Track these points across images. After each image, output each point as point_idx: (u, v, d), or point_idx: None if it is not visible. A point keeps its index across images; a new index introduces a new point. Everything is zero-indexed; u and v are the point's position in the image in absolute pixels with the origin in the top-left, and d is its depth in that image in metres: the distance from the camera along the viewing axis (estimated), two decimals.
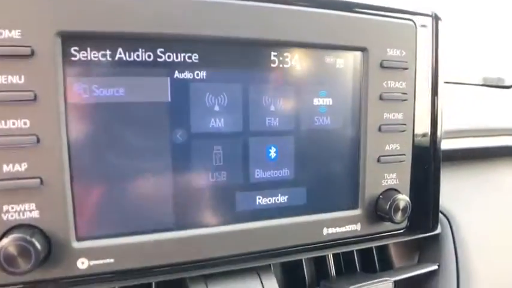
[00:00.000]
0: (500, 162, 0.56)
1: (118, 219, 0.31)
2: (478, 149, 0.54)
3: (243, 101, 0.33)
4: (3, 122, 0.27)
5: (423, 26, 0.39)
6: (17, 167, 0.28)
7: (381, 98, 0.37)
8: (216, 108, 0.33)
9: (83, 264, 0.30)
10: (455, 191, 0.50)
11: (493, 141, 0.56)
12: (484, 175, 0.54)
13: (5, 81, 0.27)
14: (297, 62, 0.35)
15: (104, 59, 0.29)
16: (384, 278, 0.39)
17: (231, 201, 0.34)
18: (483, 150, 0.54)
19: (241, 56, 0.33)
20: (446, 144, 0.50)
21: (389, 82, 0.37)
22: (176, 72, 0.31)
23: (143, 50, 0.30)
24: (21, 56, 0.27)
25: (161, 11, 0.30)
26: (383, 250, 0.47)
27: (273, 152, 0.35)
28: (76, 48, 0.29)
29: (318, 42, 0.35)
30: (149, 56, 0.30)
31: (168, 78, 0.31)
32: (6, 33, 0.27)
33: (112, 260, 0.30)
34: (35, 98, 0.28)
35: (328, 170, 0.37)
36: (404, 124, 0.39)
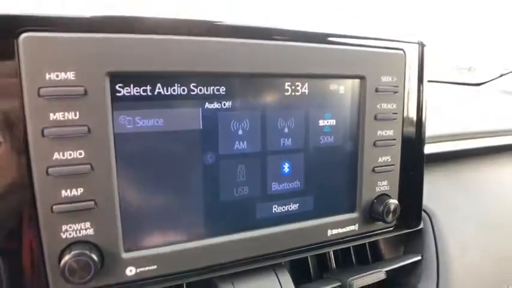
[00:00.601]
0: (474, 163, 0.65)
1: (159, 232, 0.36)
2: (454, 152, 0.62)
3: (262, 125, 0.39)
4: (61, 153, 0.32)
5: (411, 53, 0.46)
6: (74, 192, 0.32)
7: (375, 118, 0.44)
8: (240, 132, 0.38)
9: (131, 271, 0.35)
10: (436, 190, 0.58)
11: (469, 144, 0.64)
12: (461, 176, 0.62)
13: (62, 117, 0.31)
14: (306, 89, 0.40)
15: (145, 94, 0.34)
16: (378, 269, 0.47)
17: (252, 210, 0.40)
18: (460, 152, 0.62)
19: (261, 87, 0.38)
20: (428, 149, 0.58)
21: (382, 104, 0.44)
22: (207, 103, 0.36)
23: (179, 85, 0.35)
24: (76, 95, 0.31)
25: (194, 53, 0.35)
26: (374, 244, 0.55)
27: (286, 168, 0.41)
28: (121, 85, 0.33)
29: (324, 73, 0.40)
30: (184, 90, 0.35)
31: (200, 109, 0.36)
32: (62, 75, 0.31)
33: (155, 267, 0.36)
34: (89, 131, 0.32)
35: (331, 181, 0.44)
36: (395, 139, 0.46)
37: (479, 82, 0.93)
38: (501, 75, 0.91)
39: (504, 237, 0.60)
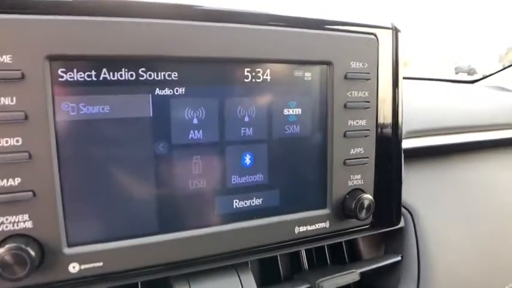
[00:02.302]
0: (458, 158, 0.64)
1: (106, 226, 0.36)
2: (438, 146, 0.62)
3: (219, 114, 0.39)
4: None
5: (384, 38, 0.46)
6: (11, 182, 0.33)
7: (345, 107, 0.44)
8: (195, 121, 0.38)
9: (74, 268, 0.35)
10: (418, 187, 0.58)
11: (453, 139, 0.64)
12: (445, 172, 0.62)
13: None
14: (268, 76, 0.41)
15: (89, 79, 0.34)
16: (351, 270, 0.47)
17: (210, 205, 0.40)
18: (443, 147, 0.62)
19: (217, 73, 0.38)
20: (409, 143, 0.58)
21: (353, 92, 0.44)
22: (157, 89, 0.36)
23: (126, 70, 0.35)
24: (12, 79, 0.32)
25: (141, 35, 0.35)
26: (352, 243, 0.54)
27: (247, 159, 0.41)
28: (63, 69, 0.33)
29: (286, 58, 0.40)
30: (132, 75, 0.35)
31: (150, 95, 0.36)
32: None
33: (101, 264, 0.36)
34: (26, 118, 0.32)
35: (298, 174, 0.44)
36: (368, 130, 0.46)
37: (473, 80, 0.94)
38: (495, 73, 0.92)
39: (489, 236, 0.59)
